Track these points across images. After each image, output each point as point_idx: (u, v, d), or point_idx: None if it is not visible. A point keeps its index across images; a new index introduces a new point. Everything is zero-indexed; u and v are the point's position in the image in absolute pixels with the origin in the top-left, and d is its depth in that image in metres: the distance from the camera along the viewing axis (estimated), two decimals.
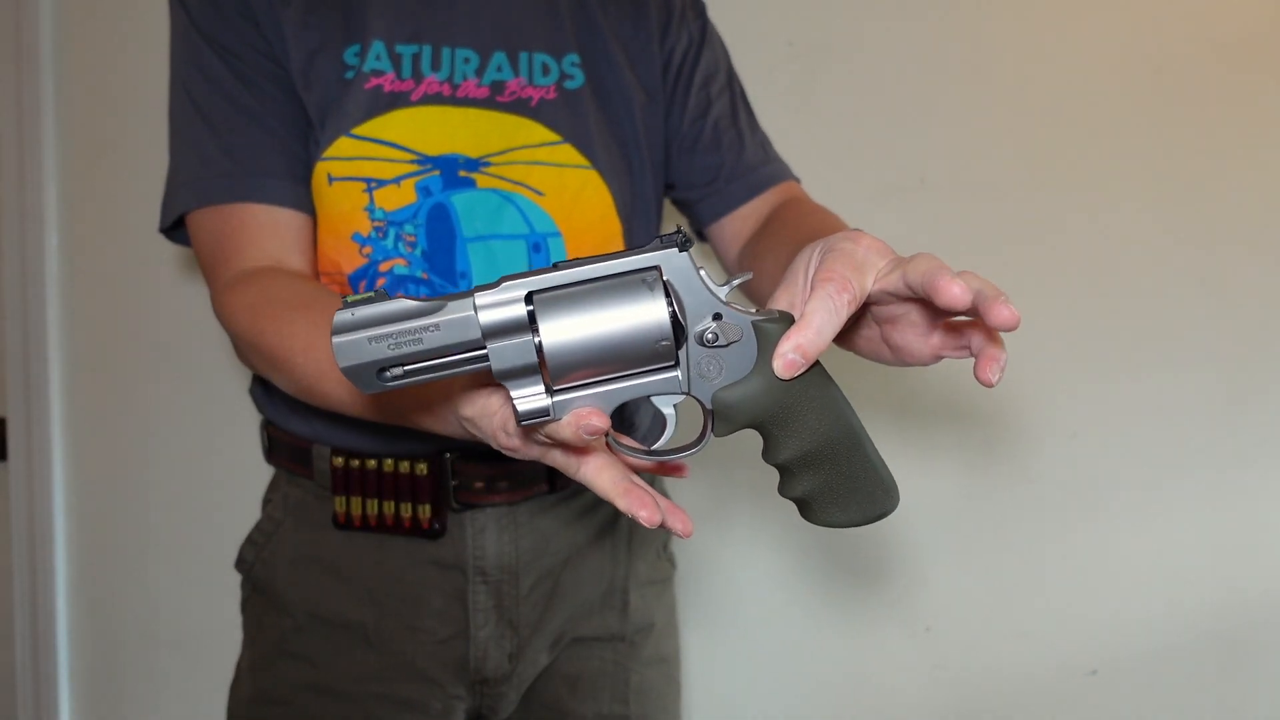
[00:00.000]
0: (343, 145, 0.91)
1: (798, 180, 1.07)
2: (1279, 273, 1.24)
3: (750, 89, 1.34)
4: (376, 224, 0.93)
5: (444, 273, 0.94)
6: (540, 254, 0.95)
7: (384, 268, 0.93)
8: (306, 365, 0.79)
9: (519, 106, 0.95)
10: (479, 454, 0.96)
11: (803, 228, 0.90)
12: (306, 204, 0.92)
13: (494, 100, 0.95)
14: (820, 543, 1.37)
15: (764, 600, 1.40)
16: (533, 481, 0.99)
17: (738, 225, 1.04)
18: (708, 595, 1.42)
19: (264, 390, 1.03)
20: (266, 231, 0.90)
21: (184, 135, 0.92)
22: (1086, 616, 1.31)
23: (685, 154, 1.04)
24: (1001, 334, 0.65)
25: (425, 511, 0.96)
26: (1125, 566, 1.29)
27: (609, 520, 1.05)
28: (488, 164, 0.94)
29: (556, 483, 1.00)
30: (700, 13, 1.07)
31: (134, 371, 1.59)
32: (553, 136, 0.96)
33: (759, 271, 0.93)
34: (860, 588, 1.37)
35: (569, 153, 0.96)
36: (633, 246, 0.96)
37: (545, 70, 0.97)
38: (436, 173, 0.93)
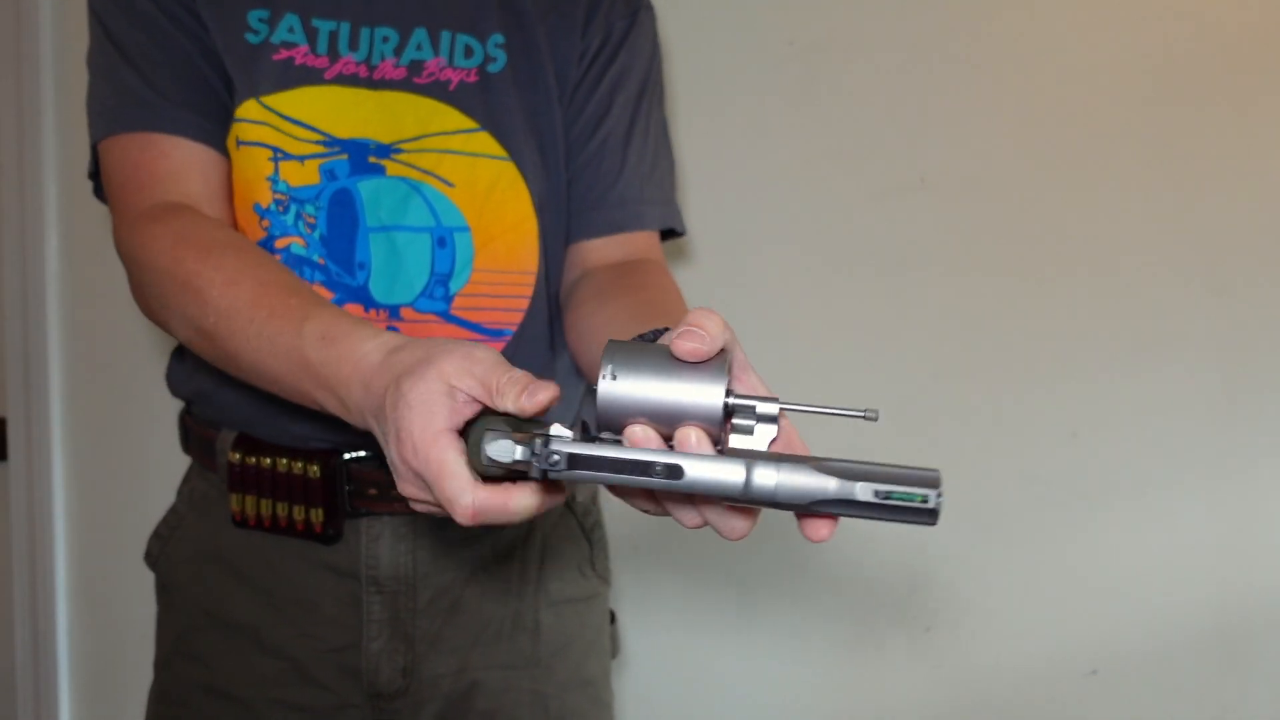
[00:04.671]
0: (251, 109, 0.86)
1: (681, 232, 1.00)
2: (1279, 273, 1.24)
3: (750, 89, 1.34)
4: (278, 196, 0.87)
5: (342, 261, 0.88)
6: (445, 249, 0.90)
7: (280, 244, 0.88)
8: (222, 300, 0.74)
9: (436, 89, 0.90)
10: (377, 459, 0.91)
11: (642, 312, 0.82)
12: (227, 154, 0.87)
13: (411, 82, 0.89)
14: (821, 543, 1.37)
15: (763, 600, 1.40)
16: None
17: (582, 256, 0.97)
18: (706, 595, 1.42)
19: (182, 369, 0.98)
20: (192, 170, 0.84)
21: (102, 71, 0.87)
22: (1086, 616, 1.31)
23: (569, 160, 0.97)
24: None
25: (318, 515, 0.91)
26: (1125, 566, 1.29)
27: (519, 537, 0.98)
28: (399, 150, 0.89)
29: None
30: (631, 11, 0.98)
31: (134, 371, 1.59)
32: (469, 123, 0.90)
33: (586, 343, 0.87)
34: (859, 588, 1.37)
35: (485, 141, 0.90)
36: (547, 250, 0.92)
37: (468, 52, 0.91)
38: (344, 156, 0.88)
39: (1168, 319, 1.27)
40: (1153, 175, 1.26)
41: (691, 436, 0.55)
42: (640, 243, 0.98)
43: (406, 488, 0.62)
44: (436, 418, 0.59)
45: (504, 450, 0.56)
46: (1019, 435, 1.31)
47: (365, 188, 0.88)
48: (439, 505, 0.61)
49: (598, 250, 0.97)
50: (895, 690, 1.37)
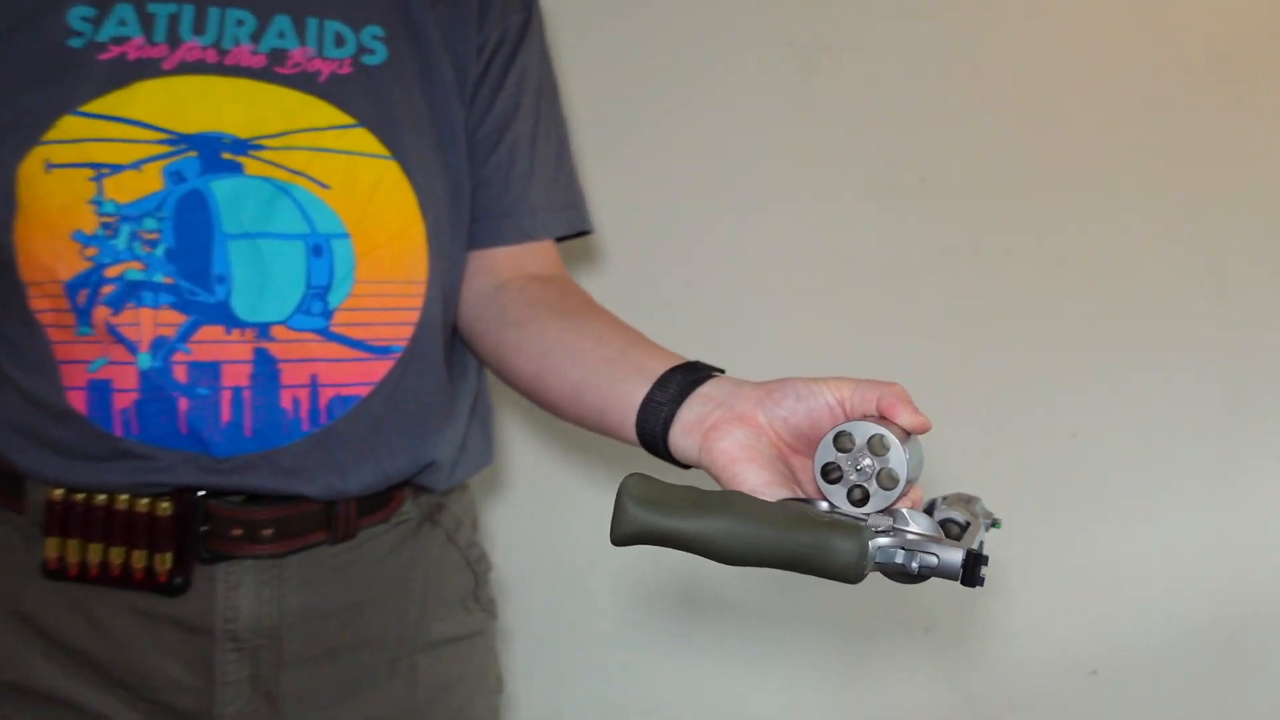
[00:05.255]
0: (67, 125, 0.76)
1: (589, 230, 0.95)
2: (1279, 273, 1.24)
3: (750, 89, 1.34)
4: (106, 220, 0.76)
5: (195, 275, 0.78)
6: (322, 258, 0.80)
7: (112, 273, 0.77)
8: None
9: (303, 81, 0.80)
10: (244, 494, 0.80)
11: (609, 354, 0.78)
12: None
13: (272, 71, 0.79)
14: None
15: (762, 600, 1.40)
16: (308, 529, 0.82)
17: (495, 264, 0.90)
18: (703, 596, 1.42)
19: None
20: None
21: None
22: (1086, 616, 1.31)
23: (472, 162, 0.90)
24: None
25: (165, 562, 0.78)
26: (1125, 566, 1.29)
27: (401, 574, 0.89)
28: (260, 147, 0.79)
29: (339, 530, 0.84)
30: (524, 5, 0.92)
31: None
32: (345, 119, 0.81)
33: (558, 365, 0.81)
34: (859, 587, 1.37)
35: (363, 139, 0.81)
36: (437, 257, 0.85)
37: (339, 40, 0.82)
38: (193, 154, 0.78)
39: (1168, 319, 1.27)
40: (1153, 176, 1.26)
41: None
42: (551, 252, 0.93)
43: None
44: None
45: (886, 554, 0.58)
46: (1019, 435, 1.31)
47: (221, 189, 0.78)
48: None
49: (511, 259, 0.90)
50: (895, 690, 1.37)
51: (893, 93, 1.32)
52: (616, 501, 0.57)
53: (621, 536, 0.57)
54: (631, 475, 0.58)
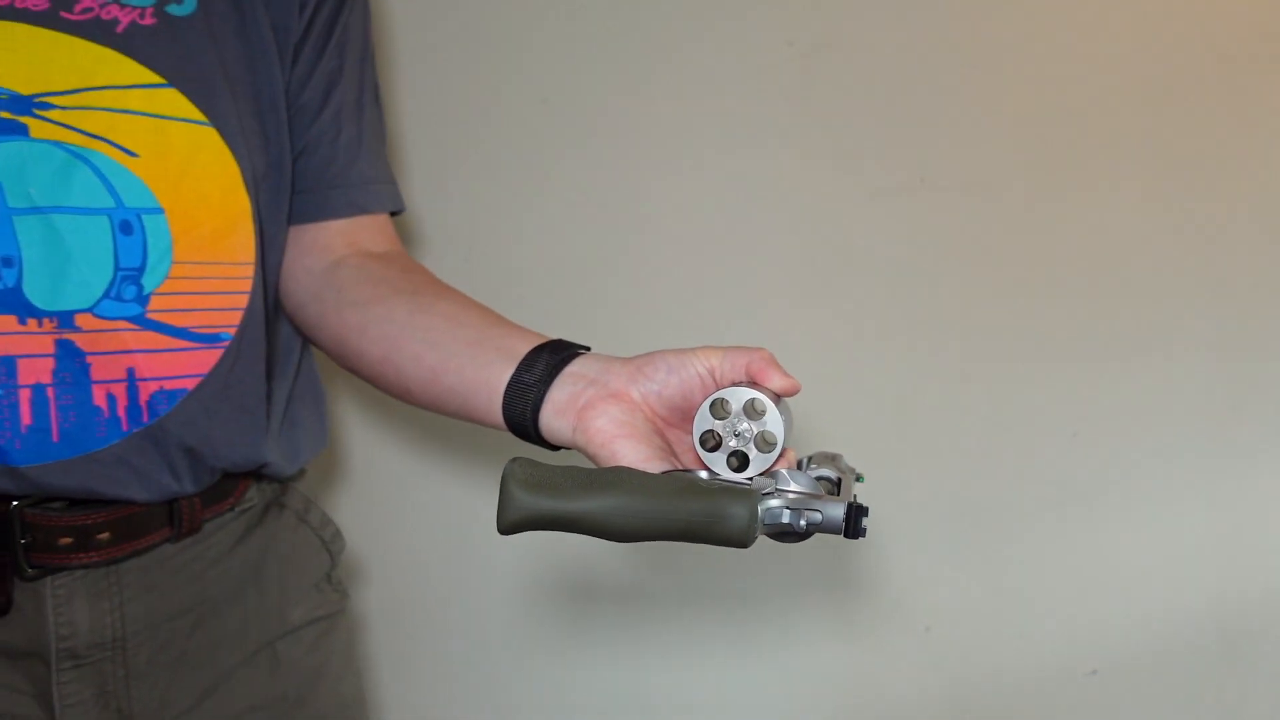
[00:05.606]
0: None
1: (402, 209, 0.89)
2: (1279, 273, 1.24)
3: (750, 89, 1.34)
4: None
5: None
6: (133, 236, 0.71)
7: None
8: None
9: (98, 31, 0.70)
10: (70, 499, 0.72)
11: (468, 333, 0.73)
12: None
13: (59, 17, 0.69)
14: (818, 542, 1.37)
15: (762, 602, 1.40)
16: (149, 528, 0.75)
17: (327, 240, 0.83)
18: (697, 598, 1.42)
19: None
20: None
21: None
22: (1086, 616, 1.31)
23: (294, 129, 0.81)
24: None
25: None
26: (1125, 566, 1.29)
27: (254, 562, 0.83)
28: (47, 105, 0.69)
29: (183, 526, 0.77)
30: None
31: None
32: (152, 77, 0.71)
33: (411, 346, 0.74)
34: (859, 588, 1.37)
35: (175, 101, 0.72)
36: (265, 236, 0.78)
37: None
38: None
39: (1168, 319, 1.27)
40: (1153, 175, 1.26)
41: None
42: (387, 227, 0.87)
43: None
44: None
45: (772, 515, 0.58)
46: (1019, 435, 1.31)
47: (1, 155, 0.68)
48: None
49: (345, 234, 0.83)
50: (895, 690, 1.37)
51: (893, 93, 1.32)
52: (502, 488, 0.56)
53: (510, 524, 0.56)
54: (514, 460, 0.57)
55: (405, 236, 1.38)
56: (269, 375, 0.82)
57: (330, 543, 0.93)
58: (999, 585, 1.32)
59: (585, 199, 1.39)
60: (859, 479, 0.65)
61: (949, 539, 1.32)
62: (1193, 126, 1.25)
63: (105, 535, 0.73)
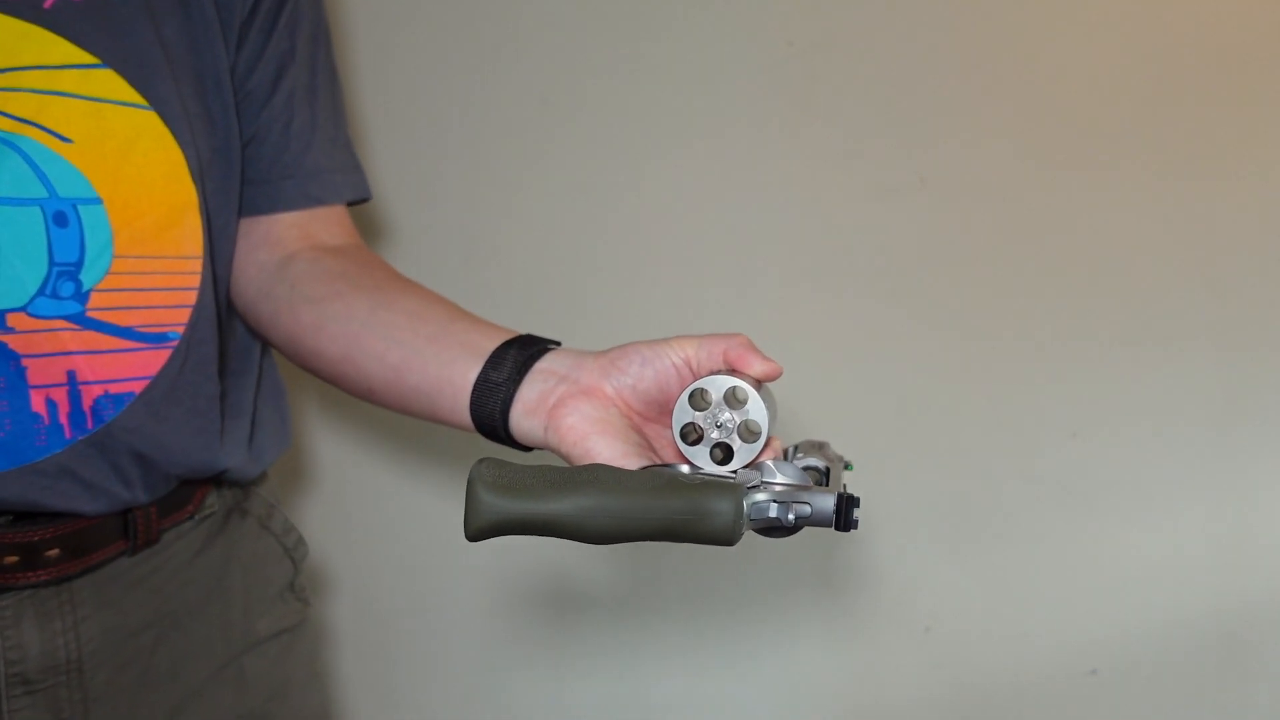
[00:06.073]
0: None
1: (369, 196, 0.84)
2: (1279, 272, 1.24)
3: (750, 89, 1.34)
4: None
5: None
6: (68, 229, 0.66)
7: None
8: None
9: (23, 6, 0.64)
10: (13, 513, 0.68)
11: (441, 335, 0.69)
12: None
13: None
14: (818, 542, 1.37)
15: (761, 601, 1.40)
16: (102, 541, 0.71)
17: (280, 233, 0.79)
18: (696, 597, 1.42)
19: None
20: None
21: None
22: (1086, 616, 1.31)
23: (243, 115, 0.77)
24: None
25: None
26: (1125, 566, 1.29)
27: (216, 573, 0.80)
28: None
29: (140, 538, 0.73)
30: None
31: None
32: (85, 57, 0.66)
33: (371, 346, 0.70)
34: (859, 588, 1.37)
35: (112, 83, 0.67)
36: (213, 228, 0.74)
37: None
38: None
39: (1168, 319, 1.27)
40: (1153, 175, 1.26)
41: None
42: (344, 219, 0.82)
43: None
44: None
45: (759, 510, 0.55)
46: (1019, 435, 1.31)
47: None
48: None
49: (297, 227, 0.79)
50: (895, 690, 1.37)
51: (893, 93, 1.32)
52: (469, 492, 0.52)
53: (478, 530, 0.52)
54: (481, 461, 0.54)
55: (402, 237, 1.38)
56: (223, 374, 0.77)
57: (293, 550, 0.89)
58: (999, 585, 1.32)
59: (584, 199, 1.39)
60: (848, 467, 0.62)
61: (949, 539, 1.32)
62: (1193, 126, 1.25)
63: (54, 552, 0.68)
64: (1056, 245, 1.29)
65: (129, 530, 0.72)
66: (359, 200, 0.84)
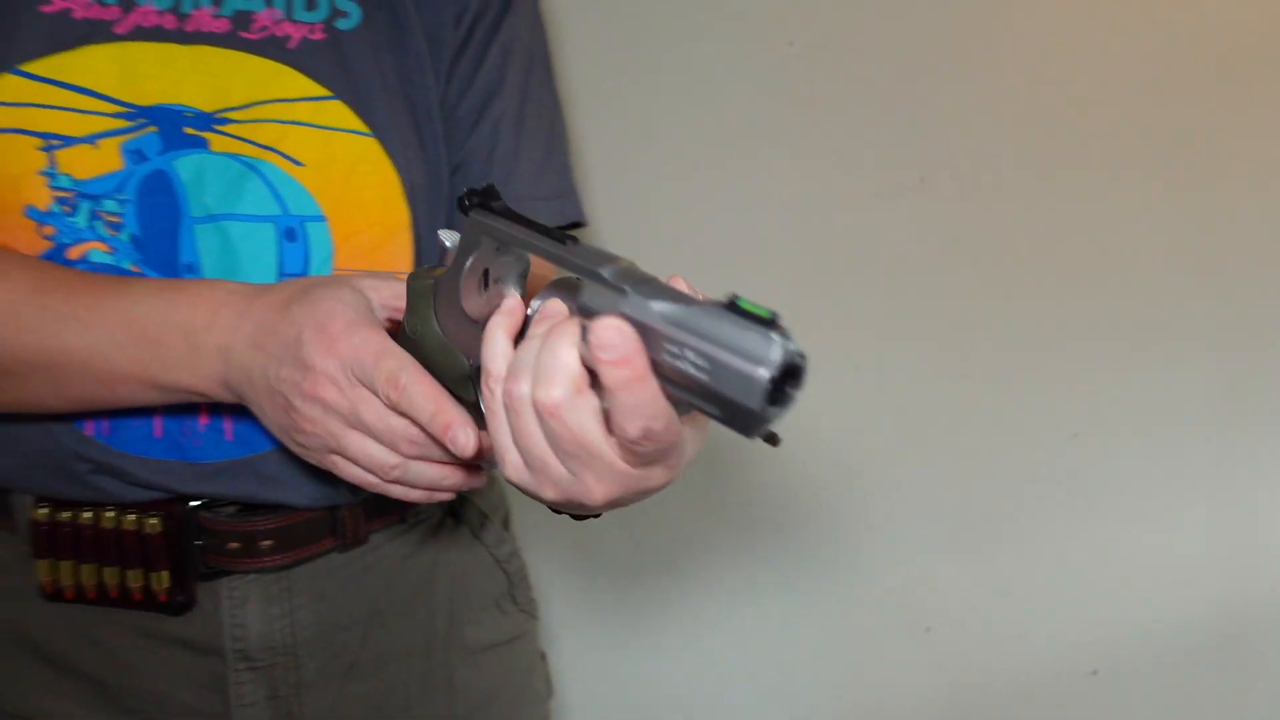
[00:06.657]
0: (9, 85, 0.68)
1: (583, 222, 0.86)
2: (1279, 272, 1.24)
3: (750, 89, 1.33)
4: (60, 194, 0.69)
5: (164, 265, 0.71)
6: (296, 243, 0.73)
7: (74, 254, 0.70)
8: None
9: (271, 48, 0.73)
10: (238, 504, 0.75)
11: None
12: None
13: (237, 36, 0.72)
14: (818, 542, 1.37)
15: (762, 602, 1.40)
16: (313, 538, 0.77)
17: None
18: (696, 597, 1.42)
19: None
20: None
21: None
22: (1086, 616, 1.31)
23: (450, 143, 0.81)
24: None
25: (162, 580, 0.73)
26: (1125, 566, 1.29)
27: (424, 579, 0.84)
28: (225, 120, 0.72)
29: (348, 537, 0.78)
30: None
31: None
32: (319, 90, 0.73)
33: None
34: (859, 588, 1.37)
35: (340, 113, 0.74)
36: (422, 248, 0.79)
37: (310, 3, 0.75)
38: (153, 129, 0.70)
39: (1168, 319, 1.27)
40: (1153, 175, 1.26)
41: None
42: None
43: (321, 388, 0.57)
44: (365, 311, 0.57)
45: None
46: (1019, 435, 1.31)
47: (185, 167, 0.71)
48: (354, 405, 0.56)
49: None
50: (895, 690, 1.37)
51: (893, 93, 1.32)
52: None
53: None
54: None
55: None
56: None
57: (505, 562, 0.90)
58: (999, 585, 1.32)
59: (583, 199, 1.38)
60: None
61: (949, 539, 1.32)
62: (1193, 126, 1.25)
63: (269, 543, 0.75)
64: (1056, 245, 1.29)
65: (337, 528, 0.77)
66: (569, 225, 0.85)
